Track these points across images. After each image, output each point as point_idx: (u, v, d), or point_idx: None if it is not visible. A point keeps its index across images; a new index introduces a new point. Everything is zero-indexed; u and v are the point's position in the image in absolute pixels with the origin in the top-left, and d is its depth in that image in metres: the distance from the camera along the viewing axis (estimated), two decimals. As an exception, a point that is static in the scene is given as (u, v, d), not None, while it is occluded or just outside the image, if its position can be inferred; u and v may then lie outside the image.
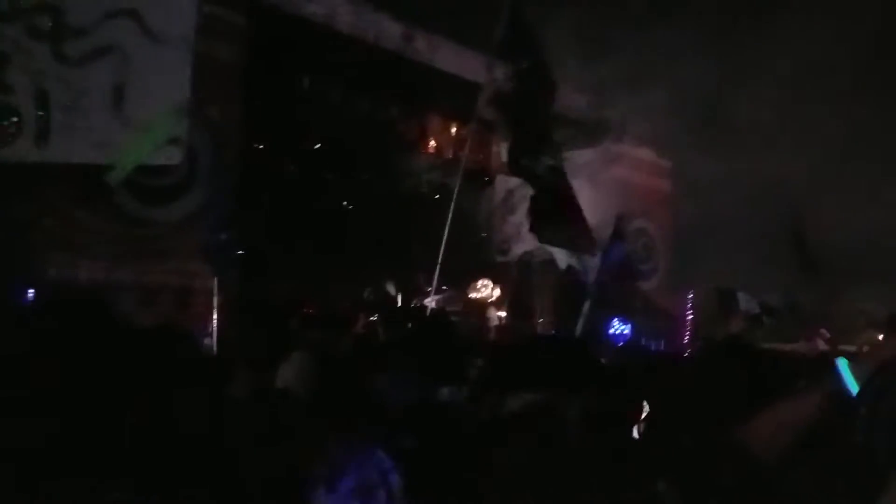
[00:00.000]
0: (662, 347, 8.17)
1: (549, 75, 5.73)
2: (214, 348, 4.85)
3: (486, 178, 11.31)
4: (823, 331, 7.50)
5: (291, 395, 2.43)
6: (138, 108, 5.89)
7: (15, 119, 5.50)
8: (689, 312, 8.99)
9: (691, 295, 9.11)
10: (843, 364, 1.34)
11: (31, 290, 5.21)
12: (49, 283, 5.87)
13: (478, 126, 6.73)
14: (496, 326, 8.84)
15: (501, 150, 10.17)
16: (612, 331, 8.06)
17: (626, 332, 8.27)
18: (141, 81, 5.88)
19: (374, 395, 1.92)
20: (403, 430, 1.47)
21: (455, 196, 6.34)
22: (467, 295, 8.53)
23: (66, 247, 6.15)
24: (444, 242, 6.43)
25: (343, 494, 1.19)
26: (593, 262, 8.34)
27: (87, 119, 5.74)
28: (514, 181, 10.03)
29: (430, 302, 7.91)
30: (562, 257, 8.68)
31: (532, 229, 5.67)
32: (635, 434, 1.62)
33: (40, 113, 5.54)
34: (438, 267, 6.68)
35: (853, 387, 1.25)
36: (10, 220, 5.82)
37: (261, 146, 9.31)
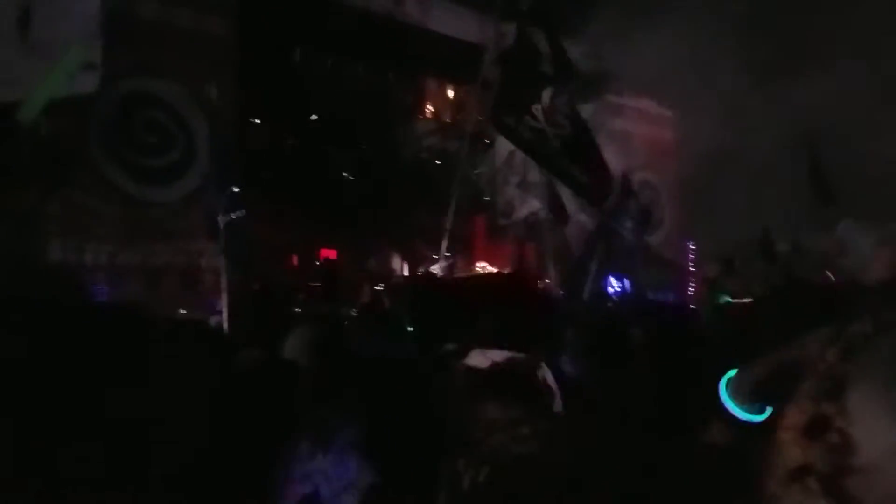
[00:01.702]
0: (668, 299, 8.20)
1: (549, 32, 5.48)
2: (222, 325, 4.91)
3: (487, 141, 11.23)
4: (828, 274, 7.47)
5: (298, 369, 2.46)
6: (46, 35, 5.20)
7: None
8: (692, 263, 8.98)
9: (693, 246, 9.08)
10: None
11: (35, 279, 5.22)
12: (53, 270, 5.91)
13: (481, 87, 6.59)
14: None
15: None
16: (611, 287, 8.08)
17: (624, 287, 8.29)
18: (46, 4, 5.22)
19: (374, 361, 1.95)
20: (400, 392, 1.49)
21: (462, 160, 6.25)
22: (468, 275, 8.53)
23: (71, 232, 6.19)
24: (451, 209, 6.38)
25: (335, 453, 1.21)
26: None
27: None
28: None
29: (437, 269, 7.94)
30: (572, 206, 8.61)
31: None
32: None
33: None
34: (447, 234, 6.63)
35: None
36: (14, 208, 5.84)
37: (257, 120, 9.25)
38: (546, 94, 4.71)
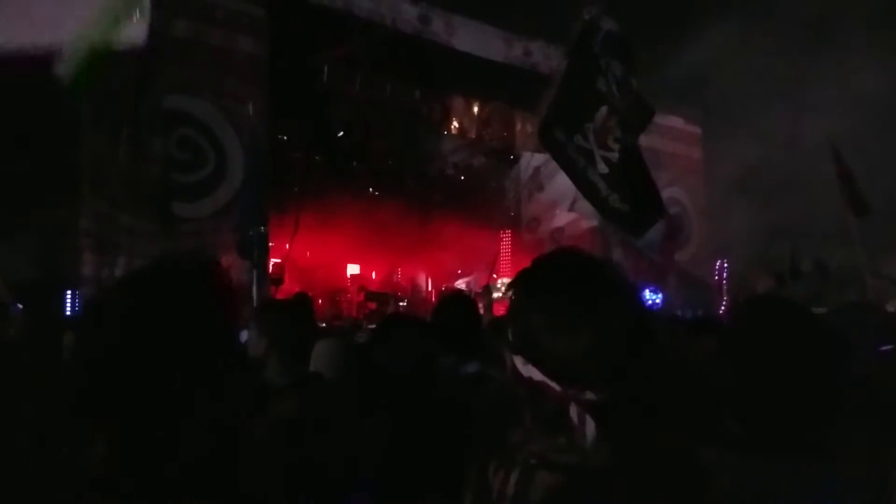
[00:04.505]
0: (698, 315, 8.09)
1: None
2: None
3: (512, 157, 11.26)
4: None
5: (323, 382, 2.48)
6: None
7: None
8: (723, 279, 8.84)
9: (725, 263, 8.94)
10: None
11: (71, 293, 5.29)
12: (87, 285, 5.99)
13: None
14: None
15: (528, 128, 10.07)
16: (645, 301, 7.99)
17: (657, 301, 8.19)
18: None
19: (396, 376, 1.95)
20: (421, 415, 1.48)
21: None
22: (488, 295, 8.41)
23: (103, 247, 6.29)
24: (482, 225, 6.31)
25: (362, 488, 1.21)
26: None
27: None
28: (539, 158, 9.95)
29: (461, 284, 7.94)
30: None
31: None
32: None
33: None
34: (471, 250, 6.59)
35: None
36: (48, 223, 5.96)
37: (286, 137, 9.39)
38: (600, 114, 4.51)
